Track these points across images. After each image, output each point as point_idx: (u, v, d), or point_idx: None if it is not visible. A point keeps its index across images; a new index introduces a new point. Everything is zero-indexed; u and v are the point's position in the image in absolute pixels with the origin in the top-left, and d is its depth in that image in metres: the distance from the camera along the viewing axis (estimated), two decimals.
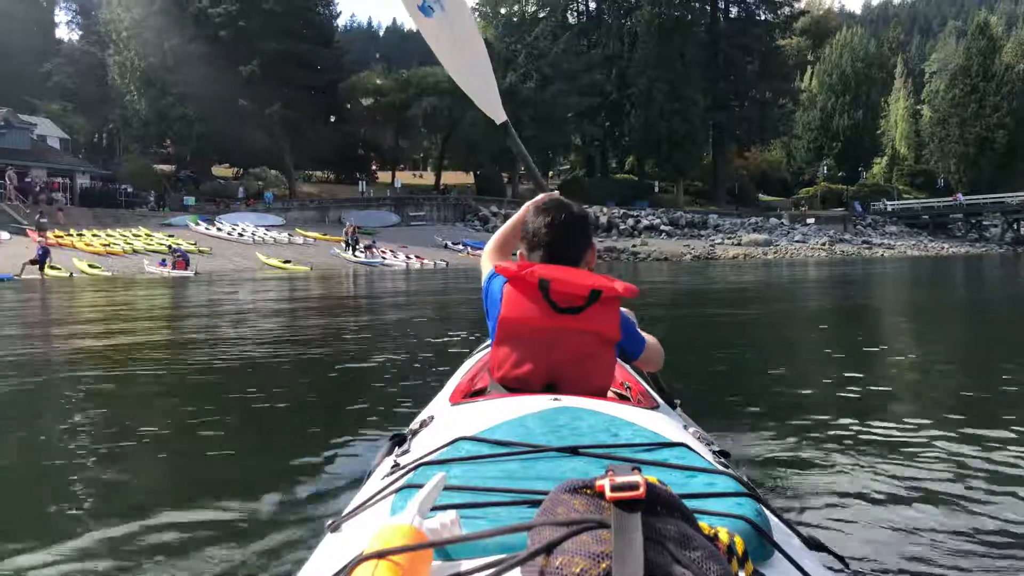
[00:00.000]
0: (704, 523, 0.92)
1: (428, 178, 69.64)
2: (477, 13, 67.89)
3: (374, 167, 69.24)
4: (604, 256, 43.17)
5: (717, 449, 1.69)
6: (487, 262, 2.41)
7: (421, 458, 1.41)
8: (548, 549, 0.83)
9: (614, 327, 2.05)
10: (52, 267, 28.44)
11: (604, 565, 0.79)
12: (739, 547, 0.95)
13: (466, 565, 0.97)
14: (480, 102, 3.17)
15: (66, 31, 76.34)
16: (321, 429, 4.22)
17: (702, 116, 63.34)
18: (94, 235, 36.65)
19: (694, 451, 1.46)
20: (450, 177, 65.64)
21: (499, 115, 3.16)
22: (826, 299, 15.59)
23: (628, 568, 0.77)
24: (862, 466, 3.29)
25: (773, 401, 4.92)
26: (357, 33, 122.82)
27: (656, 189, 65.09)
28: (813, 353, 7.68)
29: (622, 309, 2.14)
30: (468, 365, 2.76)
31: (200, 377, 6.21)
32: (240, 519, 2.66)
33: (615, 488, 0.86)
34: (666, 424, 1.71)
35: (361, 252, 37.59)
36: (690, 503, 0.93)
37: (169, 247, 33.56)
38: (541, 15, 65.65)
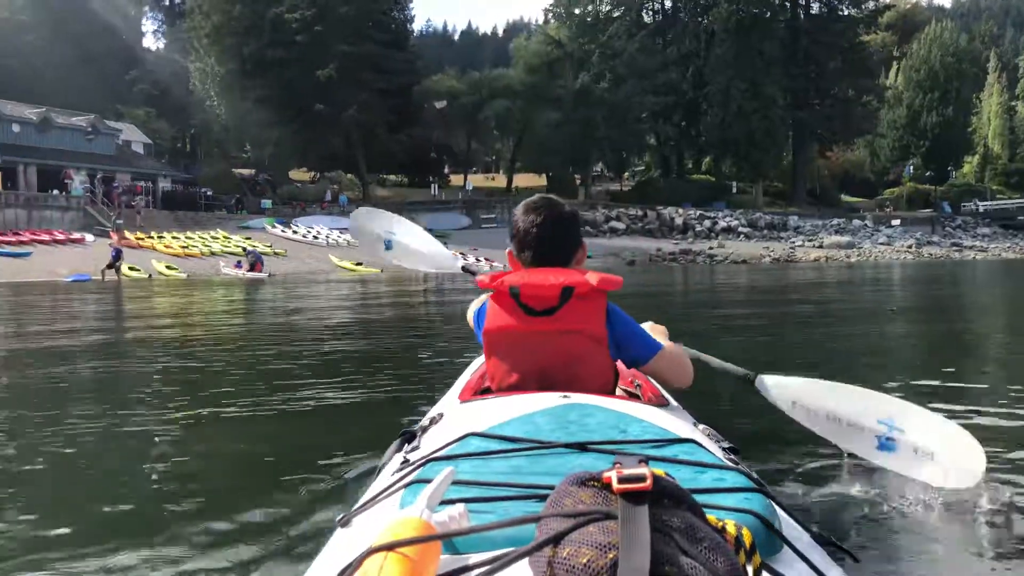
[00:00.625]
0: (712, 516, 0.93)
1: (500, 180, 69.51)
2: (551, 14, 67.69)
3: (446, 170, 69.47)
4: (679, 259, 42.23)
5: (727, 446, 1.66)
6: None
7: (431, 454, 1.41)
8: (555, 540, 0.83)
9: (596, 322, 1.98)
10: (132, 268, 29.09)
11: (611, 555, 0.79)
12: (747, 539, 0.95)
13: (475, 558, 0.97)
14: (442, 270, 3.98)
15: (152, 40, 78.88)
16: (333, 426, 4.19)
17: (782, 115, 61.83)
18: (174, 237, 37.44)
19: (703, 447, 1.45)
20: (522, 179, 65.34)
21: (456, 267, 3.75)
22: (892, 299, 14.59)
23: (635, 558, 0.77)
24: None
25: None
26: (432, 38, 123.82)
27: (734, 190, 63.62)
28: (844, 351, 7.33)
29: (617, 309, 2.07)
30: (477, 363, 2.72)
31: (221, 372, 6.25)
32: (249, 515, 2.63)
33: (622, 480, 0.86)
34: (676, 421, 1.70)
35: None
36: (699, 498, 0.94)
37: (244, 249, 34.00)
38: (615, 15, 64.84)
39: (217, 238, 38.57)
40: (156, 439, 3.86)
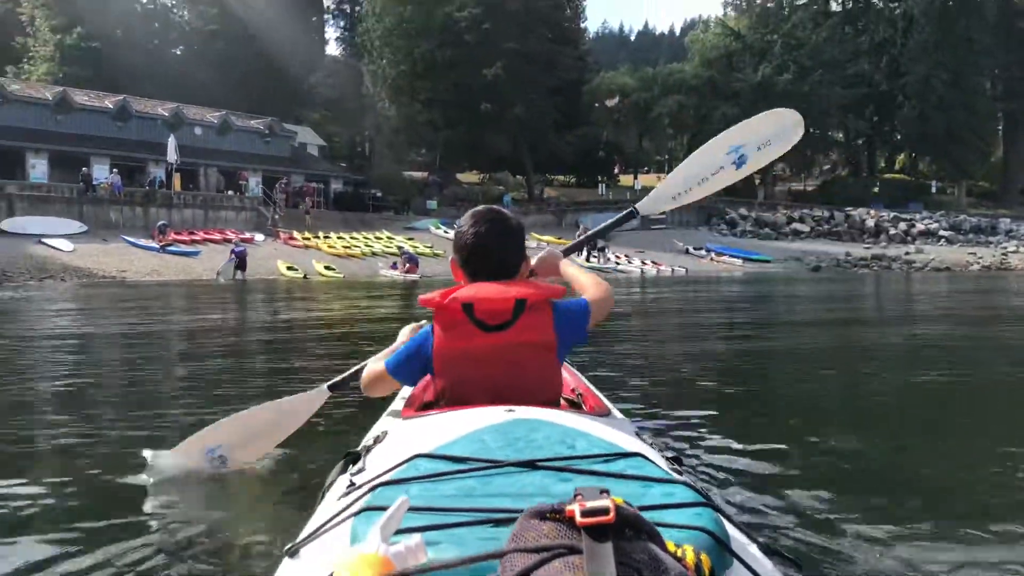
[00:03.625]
0: (670, 541, 0.93)
1: None
2: (729, 6, 64.28)
3: (616, 170, 67.34)
4: (871, 264, 38.18)
5: (670, 455, 1.71)
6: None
7: (377, 477, 1.39)
8: None
9: (548, 332, 2.02)
10: (290, 268, 29.05)
11: None
12: (705, 566, 0.96)
13: None
14: (309, 415, 3.28)
15: (335, 47, 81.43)
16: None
17: (990, 106, 55.52)
18: (339, 238, 37.49)
19: (650, 460, 1.45)
20: None
21: (322, 398, 3.20)
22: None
23: None
24: (821, 472, 3.27)
25: (732, 406, 4.98)
26: (608, 39, 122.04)
27: (933, 190, 57.75)
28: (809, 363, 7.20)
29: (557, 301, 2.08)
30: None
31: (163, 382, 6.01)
32: (190, 541, 2.51)
33: (585, 513, 0.86)
34: (620, 433, 1.72)
35: (595, 257, 35.62)
36: (649, 515, 0.95)
37: (400, 250, 33.40)
38: (800, 2, 60.49)
39: (381, 239, 38.34)
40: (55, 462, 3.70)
